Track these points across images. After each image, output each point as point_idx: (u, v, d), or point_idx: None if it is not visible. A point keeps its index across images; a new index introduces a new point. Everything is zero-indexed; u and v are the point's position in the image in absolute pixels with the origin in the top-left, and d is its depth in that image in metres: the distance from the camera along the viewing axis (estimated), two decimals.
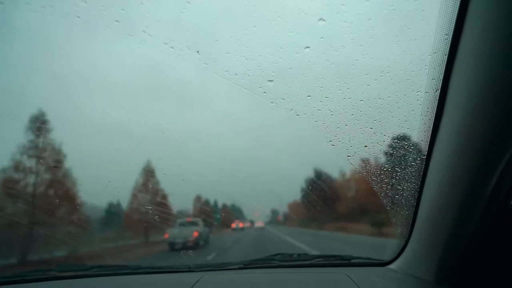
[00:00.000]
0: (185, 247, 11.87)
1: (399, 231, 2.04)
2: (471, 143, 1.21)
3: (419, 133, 1.63)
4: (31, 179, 12.72)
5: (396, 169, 2.05)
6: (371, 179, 2.18)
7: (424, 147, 1.56)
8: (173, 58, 2.30)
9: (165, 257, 11.57)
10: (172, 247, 12.64)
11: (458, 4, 1.18)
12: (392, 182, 2.12)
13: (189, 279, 1.88)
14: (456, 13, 1.19)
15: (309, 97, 2.22)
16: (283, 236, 18.43)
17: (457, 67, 1.25)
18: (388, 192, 2.14)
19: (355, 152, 2.17)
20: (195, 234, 12.77)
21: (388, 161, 2.13)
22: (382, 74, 1.99)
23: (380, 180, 2.16)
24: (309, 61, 2.19)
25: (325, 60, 2.14)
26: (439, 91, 1.36)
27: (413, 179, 1.85)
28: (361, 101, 2.10)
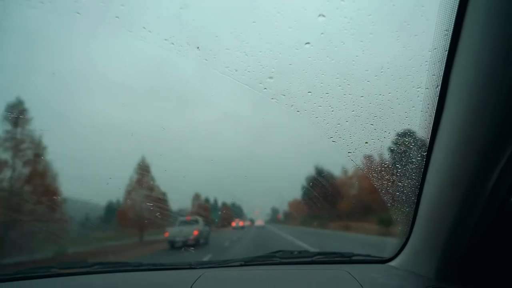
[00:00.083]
0: (185, 245, 11.89)
1: (399, 228, 2.04)
2: (472, 139, 1.21)
3: (419, 130, 1.63)
4: (8, 173, 12.41)
5: (397, 165, 2.05)
6: (372, 175, 2.18)
7: (425, 143, 1.56)
8: (173, 54, 2.30)
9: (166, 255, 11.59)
10: (173, 245, 12.67)
11: (458, 0, 1.17)
12: (392, 179, 2.12)
13: (190, 276, 1.88)
14: (456, 8, 1.19)
15: (309, 93, 2.22)
16: (283, 235, 18.45)
17: (457, 63, 1.25)
18: (389, 189, 2.13)
19: (355, 149, 2.17)
20: (196, 232, 12.78)
21: (389, 157, 2.13)
22: (382, 70, 1.99)
23: (381, 176, 2.16)
24: (309, 57, 2.18)
25: (325, 56, 2.14)
26: (439, 87, 1.36)
27: (414, 175, 1.85)
28: (362, 97, 2.10)
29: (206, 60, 2.32)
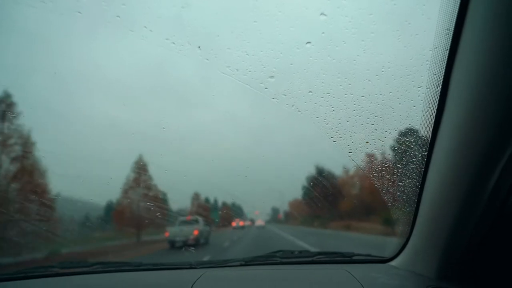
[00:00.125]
0: (185, 245, 11.88)
1: (400, 228, 2.03)
2: (473, 139, 1.20)
3: (420, 129, 1.63)
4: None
5: (398, 165, 2.04)
6: (373, 175, 2.18)
7: (425, 143, 1.56)
8: (174, 53, 2.31)
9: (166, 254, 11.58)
10: (173, 245, 12.67)
11: None
12: (393, 179, 2.11)
13: (191, 276, 1.88)
14: (457, 8, 1.18)
15: (310, 93, 2.22)
16: (284, 235, 18.43)
17: (458, 62, 1.24)
18: (390, 189, 2.13)
19: (356, 148, 2.16)
20: (196, 232, 12.78)
21: (390, 157, 2.13)
22: (383, 69, 1.98)
23: (381, 176, 2.16)
24: (310, 57, 2.19)
25: (326, 56, 2.14)
26: (440, 87, 1.36)
27: (414, 175, 1.85)
28: (363, 97, 2.10)
29: (207, 59, 2.32)
